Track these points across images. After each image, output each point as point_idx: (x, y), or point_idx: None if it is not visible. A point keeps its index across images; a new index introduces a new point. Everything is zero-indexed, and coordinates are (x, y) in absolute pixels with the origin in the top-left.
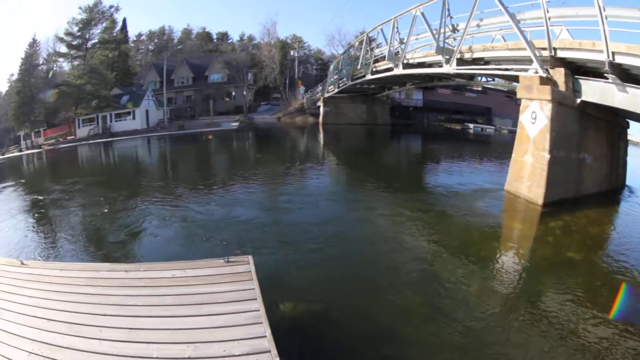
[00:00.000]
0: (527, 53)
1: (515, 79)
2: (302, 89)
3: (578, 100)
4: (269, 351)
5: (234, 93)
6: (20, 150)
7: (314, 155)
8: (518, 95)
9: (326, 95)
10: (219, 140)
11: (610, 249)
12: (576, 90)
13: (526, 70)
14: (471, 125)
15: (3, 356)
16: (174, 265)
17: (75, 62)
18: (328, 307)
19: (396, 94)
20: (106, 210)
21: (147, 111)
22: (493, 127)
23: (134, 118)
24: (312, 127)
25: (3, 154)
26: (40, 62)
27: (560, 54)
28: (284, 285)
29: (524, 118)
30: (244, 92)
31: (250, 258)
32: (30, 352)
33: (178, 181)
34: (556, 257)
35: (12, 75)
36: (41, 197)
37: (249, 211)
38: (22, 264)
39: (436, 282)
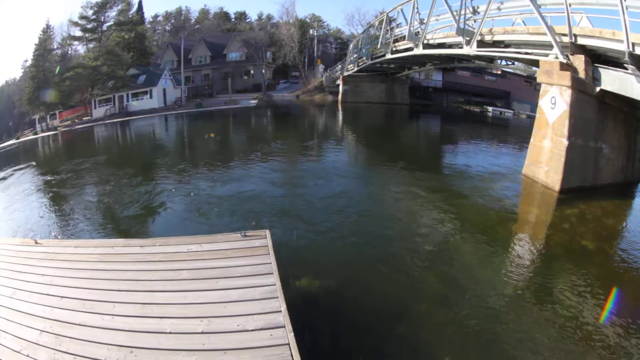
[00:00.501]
0: (548, 38)
1: (535, 63)
2: (321, 67)
3: (597, 89)
4: (284, 326)
5: (252, 71)
6: (36, 134)
7: (333, 133)
8: (538, 80)
9: (345, 73)
10: (237, 117)
11: (624, 242)
12: (595, 79)
13: (546, 55)
14: (490, 109)
15: (14, 336)
16: (190, 239)
17: (91, 45)
18: (342, 283)
19: (416, 74)
20: (122, 187)
21: (164, 90)
22: (512, 112)
23: (151, 97)
24: (331, 105)
25: (18, 138)
26: (55, 47)
27: (581, 41)
28: (299, 260)
29: (543, 103)
30: (263, 71)
31: (267, 232)
32: (42, 331)
33: (195, 157)
34: (571, 245)
35: (25, 61)
36: (55, 177)
37: (266, 187)
38: (36, 243)
39: (451, 263)
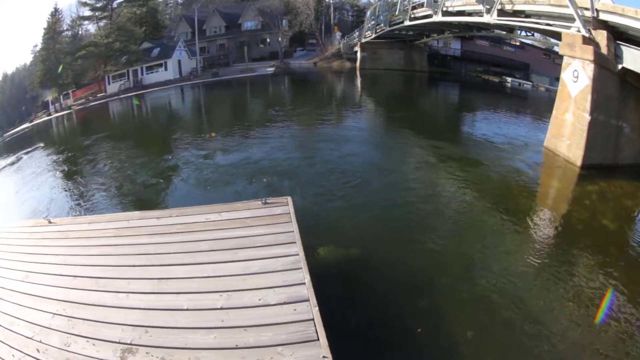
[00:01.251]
0: (569, 11)
1: (555, 35)
2: (338, 34)
3: (619, 66)
4: (308, 300)
5: (268, 39)
6: (49, 115)
7: (352, 100)
8: (560, 52)
9: (363, 40)
10: (254, 85)
11: None
12: (617, 56)
13: (568, 28)
14: (509, 79)
15: (27, 322)
16: (209, 209)
17: (101, 23)
18: (364, 252)
19: (434, 42)
20: (138, 159)
21: (179, 61)
22: (530, 84)
23: (165, 69)
24: (349, 71)
25: (32, 121)
26: (64, 29)
27: (603, 16)
28: (319, 227)
29: (565, 76)
30: (279, 39)
31: (289, 199)
32: (55, 314)
33: (213, 126)
34: (592, 223)
35: (35, 46)
36: (68, 155)
37: (285, 153)
38: (50, 222)
39: (471, 234)
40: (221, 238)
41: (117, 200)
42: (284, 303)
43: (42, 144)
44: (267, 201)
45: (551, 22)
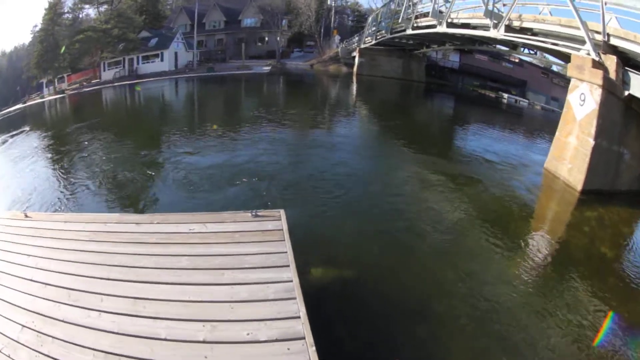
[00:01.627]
0: (580, 33)
1: (560, 55)
2: (337, 38)
3: (626, 93)
4: (303, 337)
5: (267, 38)
6: (42, 97)
7: (345, 105)
8: (568, 74)
9: (362, 46)
10: (249, 82)
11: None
12: (625, 82)
13: (577, 50)
14: (505, 95)
15: None
16: (193, 217)
17: (102, 8)
18: (360, 273)
19: (433, 53)
20: (123, 151)
21: (175, 53)
22: (527, 101)
23: (162, 60)
24: (346, 76)
25: (25, 102)
26: (65, 11)
27: (614, 41)
28: (311, 240)
29: (572, 98)
30: (278, 38)
31: (282, 213)
32: (24, 326)
33: (203, 122)
34: (590, 250)
35: (35, 26)
36: (54, 141)
37: (273, 157)
38: (26, 216)
39: (466, 256)
40: (205, 254)
41: (98, 194)
42: (276, 340)
43: (29, 128)
44: (258, 214)
45: (559, 42)
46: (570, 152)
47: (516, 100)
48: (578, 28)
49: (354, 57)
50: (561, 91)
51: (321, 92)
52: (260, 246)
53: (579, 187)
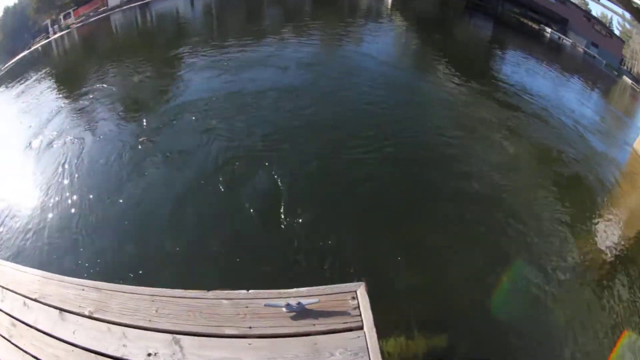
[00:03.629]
0: None
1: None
2: None
3: None
4: None
5: None
6: (47, 38)
7: (377, 16)
8: None
9: None
10: None
11: None
12: None
13: None
14: (548, 30)
15: None
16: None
17: None
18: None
19: None
20: (138, 81)
21: None
22: (570, 41)
23: None
24: None
25: (29, 48)
26: None
27: None
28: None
29: None
30: None
31: (360, 288)
32: None
33: (225, 42)
34: None
35: None
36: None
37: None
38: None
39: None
40: None
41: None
42: None
43: (35, 72)
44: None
45: None
46: None
47: (559, 37)
48: None
49: None
50: (601, 39)
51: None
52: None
53: None
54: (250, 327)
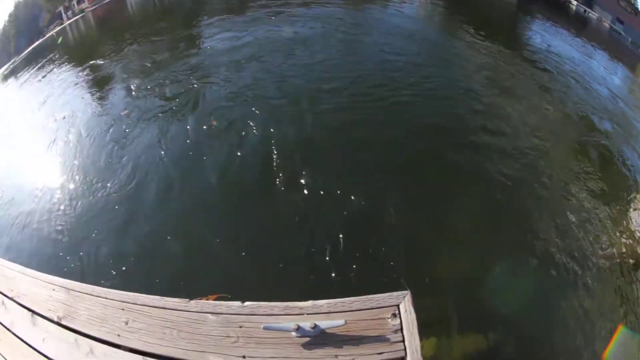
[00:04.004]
0: None
1: None
2: None
3: None
4: None
5: None
6: (61, 24)
7: None
8: None
9: None
10: None
11: None
12: None
13: None
14: (574, 2)
15: None
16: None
17: None
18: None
19: None
20: (157, 59)
21: None
22: (596, 15)
23: None
24: None
25: (44, 36)
26: None
27: None
28: None
29: None
30: None
31: (405, 301)
32: None
33: (251, 14)
34: None
35: None
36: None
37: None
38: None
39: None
40: None
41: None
42: None
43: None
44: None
45: None
46: None
47: (585, 11)
48: None
49: None
50: (627, 15)
51: None
52: None
53: None
54: (244, 358)
